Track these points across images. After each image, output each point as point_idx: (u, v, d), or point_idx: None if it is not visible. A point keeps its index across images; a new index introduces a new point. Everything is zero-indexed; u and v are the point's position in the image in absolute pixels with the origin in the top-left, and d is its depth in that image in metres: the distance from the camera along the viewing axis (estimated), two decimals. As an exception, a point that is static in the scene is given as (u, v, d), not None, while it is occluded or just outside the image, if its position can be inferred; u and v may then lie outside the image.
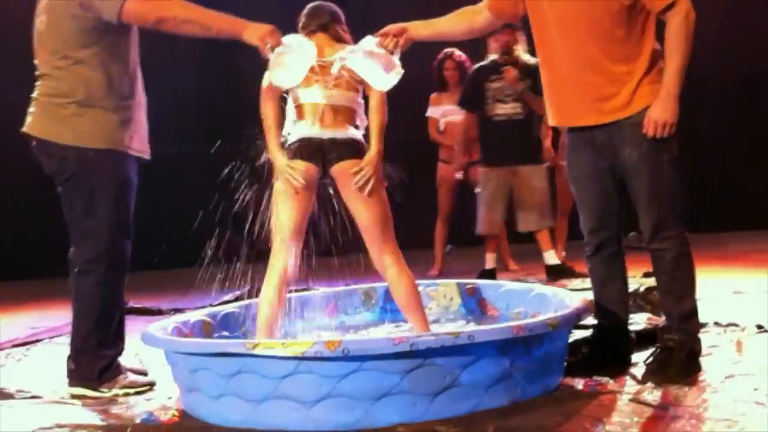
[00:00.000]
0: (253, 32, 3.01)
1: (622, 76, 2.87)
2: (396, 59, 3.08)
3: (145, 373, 3.35)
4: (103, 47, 3.09)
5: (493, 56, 5.49)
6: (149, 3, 3.03)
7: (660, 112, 2.82)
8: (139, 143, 3.24)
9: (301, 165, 3.03)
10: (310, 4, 3.23)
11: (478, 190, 5.60)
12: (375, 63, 3.05)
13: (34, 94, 3.21)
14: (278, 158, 3.04)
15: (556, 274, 5.48)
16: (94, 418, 2.83)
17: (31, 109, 3.21)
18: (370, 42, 3.09)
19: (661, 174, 2.89)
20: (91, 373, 3.15)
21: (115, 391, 3.15)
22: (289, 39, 3.06)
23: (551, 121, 3.11)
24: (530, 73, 5.13)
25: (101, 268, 3.15)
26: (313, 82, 3.07)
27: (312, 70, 3.06)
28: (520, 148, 5.40)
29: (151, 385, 3.22)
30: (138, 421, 2.74)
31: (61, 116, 3.11)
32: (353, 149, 3.06)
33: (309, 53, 3.05)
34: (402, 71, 3.07)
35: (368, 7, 7.77)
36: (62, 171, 3.15)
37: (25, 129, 3.21)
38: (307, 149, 3.04)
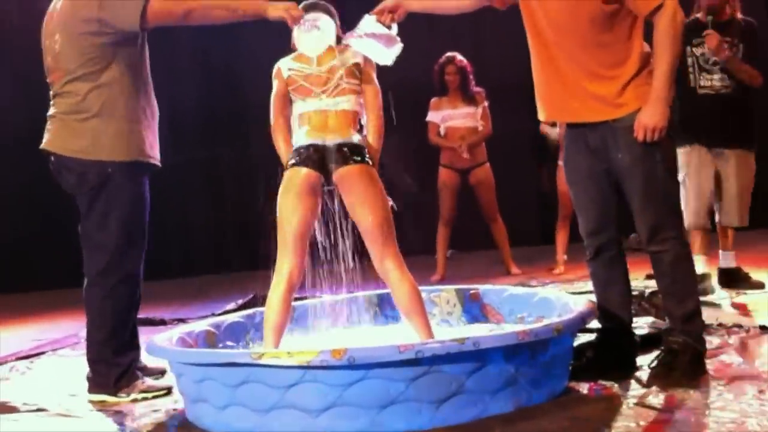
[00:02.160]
0: (277, 7, 3.07)
1: (611, 79, 2.88)
2: (395, 33, 3.16)
3: (162, 372, 3.42)
4: (119, 61, 3.16)
5: (697, 15, 4.56)
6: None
7: (649, 116, 2.82)
8: (155, 152, 3.31)
9: (301, 171, 3.03)
10: (305, 3, 3.21)
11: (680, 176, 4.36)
12: (377, 42, 3.13)
13: (51, 112, 3.28)
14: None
15: (728, 278, 4.78)
16: (100, 430, 2.84)
17: (49, 126, 3.28)
18: (369, 22, 3.15)
19: (655, 176, 2.89)
20: (108, 381, 3.22)
21: (134, 395, 3.20)
22: (310, 15, 3.14)
23: (540, 115, 3.11)
24: (744, 37, 4.46)
25: (111, 280, 3.20)
26: (312, 92, 3.11)
27: (309, 79, 3.10)
28: (728, 128, 4.51)
29: (168, 389, 3.26)
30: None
31: (81, 132, 3.17)
32: (355, 153, 3.06)
33: (332, 29, 3.13)
34: (402, 44, 3.14)
35: None
36: (81, 185, 3.21)
37: (43, 146, 3.28)
38: (309, 156, 3.04)
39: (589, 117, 2.94)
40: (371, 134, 3.11)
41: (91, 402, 3.22)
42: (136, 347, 3.38)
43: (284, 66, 3.16)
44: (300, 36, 3.12)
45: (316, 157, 3.04)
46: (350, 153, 3.04)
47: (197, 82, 8.03)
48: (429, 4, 3.26)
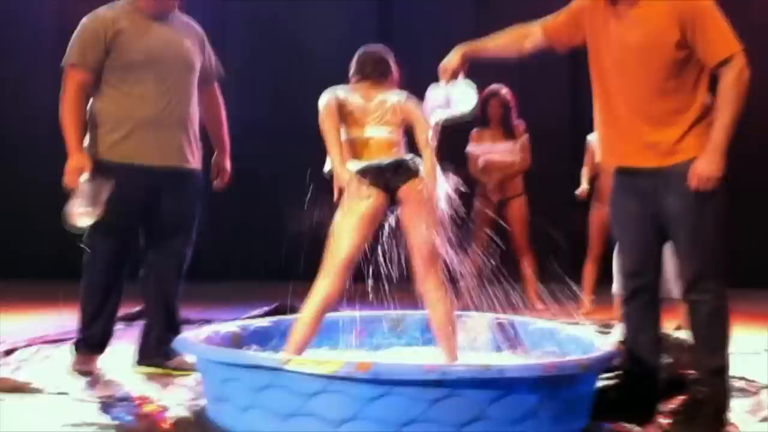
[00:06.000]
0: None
1: (671, 126, 2.88)
2: (465, 84, 3.21)
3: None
4: (111, 79, 3.60)
5: None
6: (66, 83, 3.57)
7: (705, 165, 2.83)
8: (131, 152, 3.59)
9: (370, 193, 3.08)
10: (360, 50, 3.40)
11: None
12: (453, 103, 3.21)
13: None
14: (344, 172, 3.08)
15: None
16: (121, 418, 2.88)
17: None
18: (437, 91, 3.22)
19: (704, 226, 2.89)
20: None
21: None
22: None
23: (598, 158, 3.13)
24: None
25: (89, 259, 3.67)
26: (358, 121, 3.21)
27: (359, 110, 3.21)
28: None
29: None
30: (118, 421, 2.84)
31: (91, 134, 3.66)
32: (415, 168, 3.15)
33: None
34: (474, 86, 3.21)
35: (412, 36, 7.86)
36: None
37: None
38: (370, 175, 3.10)
39: (642, 163, 2.94)
40: (426, 146, 3.16)
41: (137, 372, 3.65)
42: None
43: (340, 91, 3.25)
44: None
45: (376, 176, 3.10)
46: (409, 168, 3.12)
47: (242, 94, 8.10)
48: (489, 53, 3.23)
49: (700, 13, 2.80)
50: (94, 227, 3.54)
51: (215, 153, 4.00)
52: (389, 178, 3.11)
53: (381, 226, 3.24)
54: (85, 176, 3.49)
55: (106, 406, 3.07)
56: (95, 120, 3.62)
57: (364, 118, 3.21)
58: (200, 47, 3.81)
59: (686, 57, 2.85)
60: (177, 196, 3.69)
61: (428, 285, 3.13)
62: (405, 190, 3.11)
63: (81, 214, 3.45)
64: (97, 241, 3.60)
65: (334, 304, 3.12)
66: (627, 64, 2.90)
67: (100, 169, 3.53)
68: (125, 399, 3.16)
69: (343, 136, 3.22)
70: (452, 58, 3.16)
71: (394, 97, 3.26)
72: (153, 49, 3.61)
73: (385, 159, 3.14)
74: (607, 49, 2.94)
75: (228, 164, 4.01)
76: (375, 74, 3.32)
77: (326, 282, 3.08)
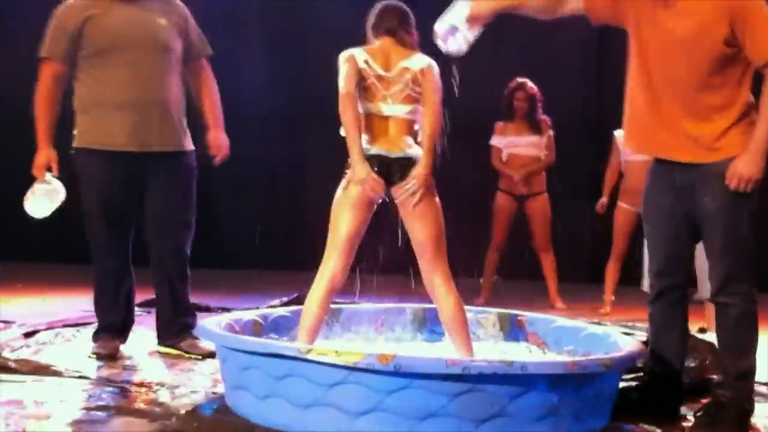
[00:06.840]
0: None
1: (712, 122, 2.84)
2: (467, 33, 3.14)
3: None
4: (86, 66, 3.63)
5: None
6: (40, 75, 3.64)
7: (745, 166, 2.78)
8: (107, 138, 3.62)
9: (371, 177, 3.02)
10: (381, 3, 3.23)
11: None
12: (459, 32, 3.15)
13: None
14: (362, 166, 3.00)
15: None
16: (139, 404, 2.88)
17: None
18: (442, 25, 3.14)
19: (738, 227, 2.84)
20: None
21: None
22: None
23: (629, 145, 3.08)
24: None
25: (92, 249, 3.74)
26: (378, 95, 3.08)
27: (380, 80, 3.07)
28: None
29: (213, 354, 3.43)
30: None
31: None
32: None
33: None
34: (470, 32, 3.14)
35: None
36: None
37: None
38: (376, 165, 3.04)
39: (681, 156, 2.89)
40: (425, 146, 3.04)
41: (159, 353, 3.76)
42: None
43: (359, 57, 3.09)
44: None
45: (381, 168, 3.04)
46: (409, 168, 3.03)
47: (261, 79, 8.11)
48: (523, 11, 3.10)
49: (751, 11, 2.75)
50: (87, 217, 3.67)
51: (209, 130, 3.86)
52: (392, 172, 3.03)
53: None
54: (49, 176, 3.59)
55: (125, 390, 3.07)
56: (77, 107, 3.67)
57: (384, 90, 3.07)
58: (180, 26, 3.73)
59: (733, 54, 2.79)
60: (162, 179, 3.69)
61: (435, 280, 3.08)
62: (398, 188, 3.04)
63: (33, 207, 3.62)
64: (94, 230, 3.69)
65: (339, 285, 3.08)
66: (672, 55, 2.84)
67: (82, 156, 3.65)
68: (142, 384, 3.17)
69: (361, 109, 3.09)
70: (484, 9, 3.07)
71: (417, 63, 3.08)
72: (119, 32, 3.58)
73: (395, 152, 3.05)
74: (653, 38, 2.87)
75: (225, 139, 3.87)
76: (398, 29, 3.13)
77: (330, 263, 3.06)
